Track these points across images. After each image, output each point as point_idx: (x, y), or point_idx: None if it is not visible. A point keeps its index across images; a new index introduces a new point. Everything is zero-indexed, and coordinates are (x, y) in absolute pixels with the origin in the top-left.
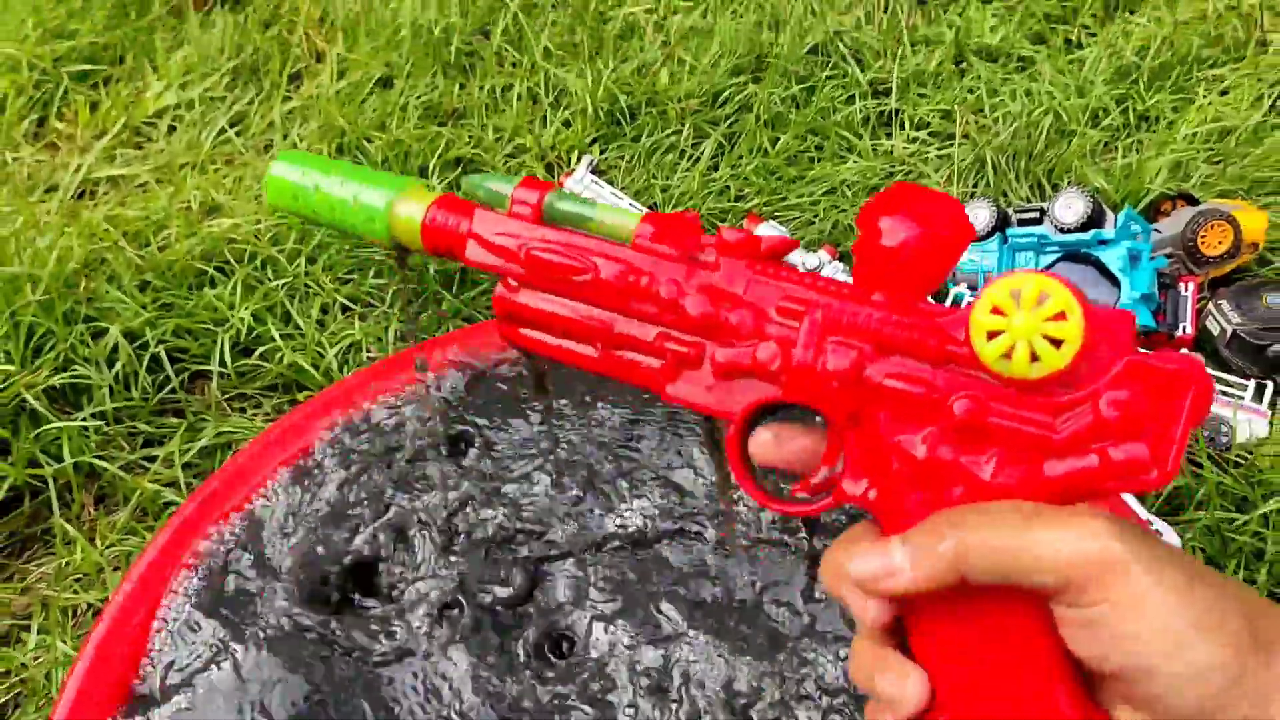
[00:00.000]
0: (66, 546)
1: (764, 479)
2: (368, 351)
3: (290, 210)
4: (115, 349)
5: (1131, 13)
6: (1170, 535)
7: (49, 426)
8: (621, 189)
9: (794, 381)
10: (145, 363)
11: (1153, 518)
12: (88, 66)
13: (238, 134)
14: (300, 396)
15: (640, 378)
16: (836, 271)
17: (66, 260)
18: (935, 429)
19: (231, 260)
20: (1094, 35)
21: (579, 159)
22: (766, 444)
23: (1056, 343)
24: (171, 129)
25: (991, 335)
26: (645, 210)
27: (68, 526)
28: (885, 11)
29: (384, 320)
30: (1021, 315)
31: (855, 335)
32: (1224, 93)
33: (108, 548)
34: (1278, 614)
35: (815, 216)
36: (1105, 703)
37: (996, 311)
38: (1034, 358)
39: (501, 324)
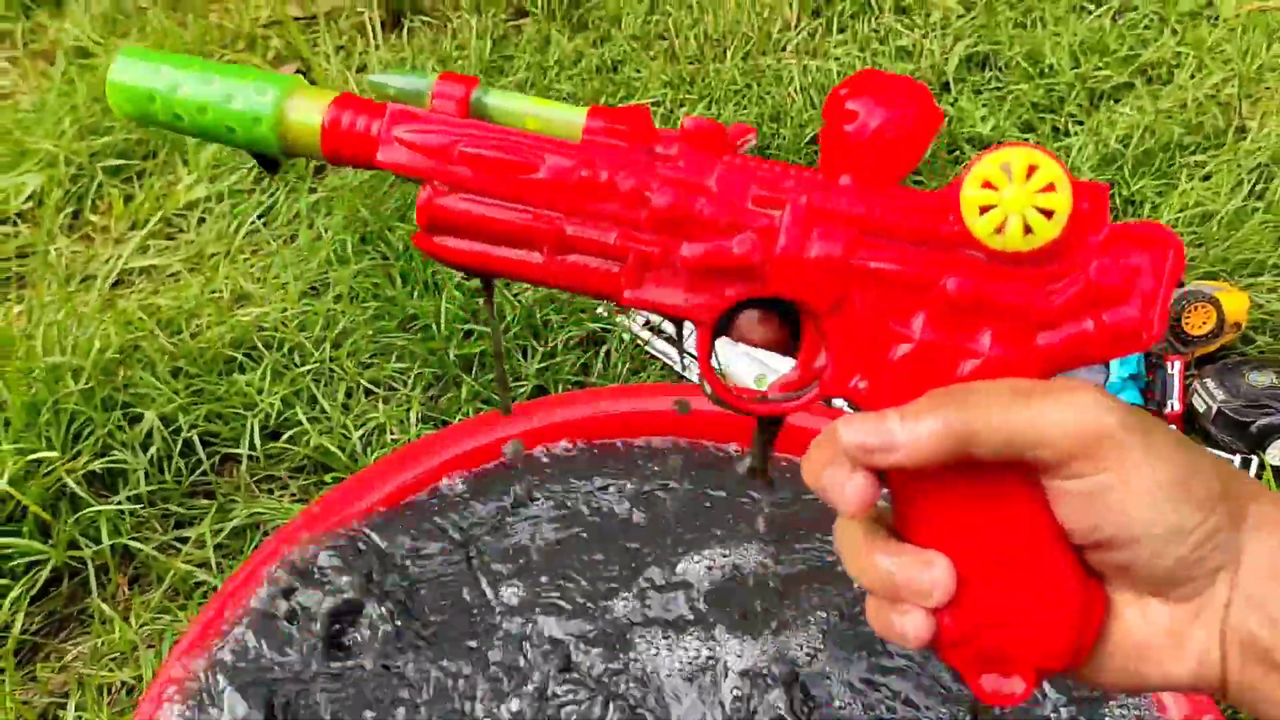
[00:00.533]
0: (103, 626)
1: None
2: (391, 434)
3: (143, 117)
4: (150, 434)
5: (1116, 102)
6: None
7: (88, 510)
8: None
9: (777, 273)
10: (178, 446)
11: None
12: (121, 161)
13: (265, 224)
14: (328, 478)
15: (596, 283)
16: None
17: (104, 349)
18: (927, 310)
19: (260, 347)
20: (1080, 123)
21: None
22: (750, 323)
23: (1048, 214)
24: (201, 220)
25: (984, 210)
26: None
27: (104, 606)
28: None
29: (406, 403)
30: (1013, 188)
31: (840, 220)
32: (1205, 178)
33: (141, 626)
34: (1244, 477)
35: None
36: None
37: (987, 185)
38: (1027, 230)
39: (425, 237)
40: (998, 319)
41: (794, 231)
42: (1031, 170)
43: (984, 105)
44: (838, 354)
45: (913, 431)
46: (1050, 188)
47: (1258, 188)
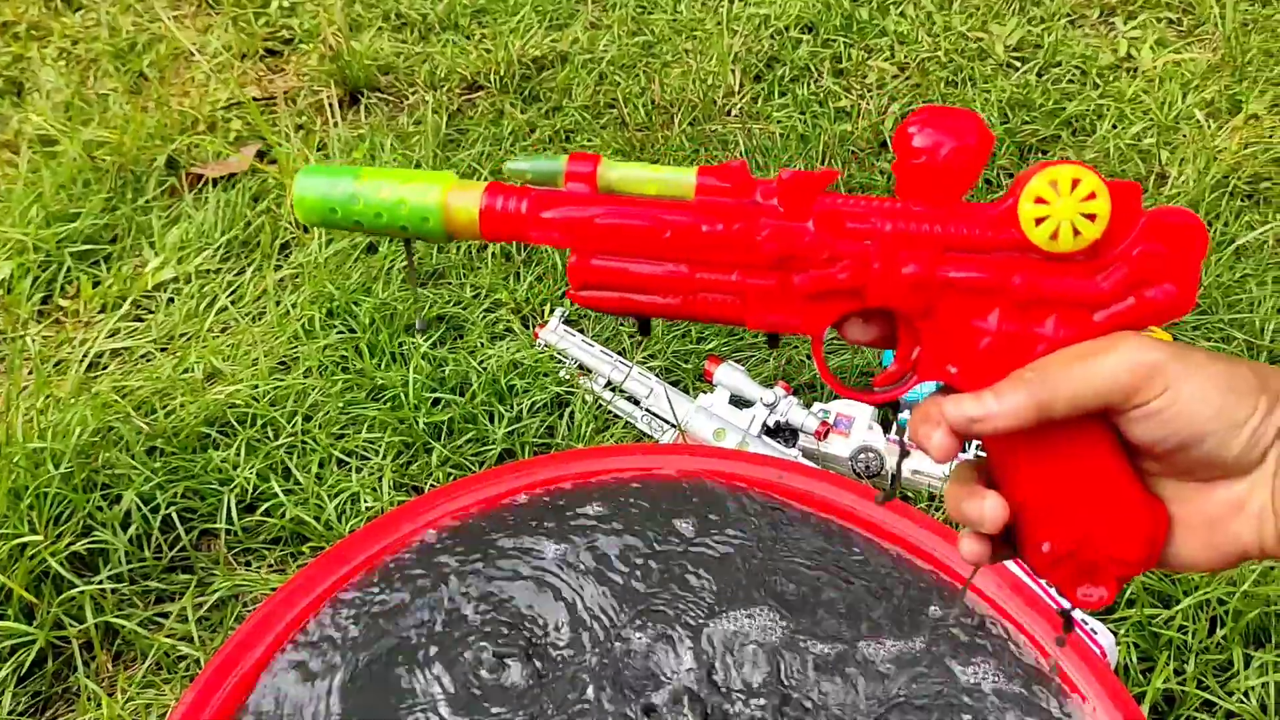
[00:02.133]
0: (90, 703)
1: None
2: (365, 502)
3: (326, 224)
4: (129, 513)
5: (1044, 154)
6: (1105, 635)
7: (71, 591)
8: (593, 337)
9: (875, 291)
10: (157, 524)
11: (1088, 618)
12: (89, 246)
13: (233, 303)
14: (305, 549)
15: (725, 315)
16: (791, 405)
17: (82, 432)
18: (1000, 306)
19: (234, 423)
20: (1011, 176)
21: (552, 311)
22: (857, 330)
23: (1091, 217)
24: (170, 301)
25: (1040, 220)
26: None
27: (90, 683)
28: (823, 164)
29: (378, 471)
30: (1061, 200)
31: (921, 242)
32: None
33: (127, 702)
34: (1273, 368)
35: (769, 354)
36: (1158, 487)
37: (1040, 201)
38: (1076, 233)
39: (578, 293)
40: (1058, 306)
41: (884, 256)
42: (1075, 183)
43: None
44: (930, 348)
45: (1004, 404)
46: (1091, 196)
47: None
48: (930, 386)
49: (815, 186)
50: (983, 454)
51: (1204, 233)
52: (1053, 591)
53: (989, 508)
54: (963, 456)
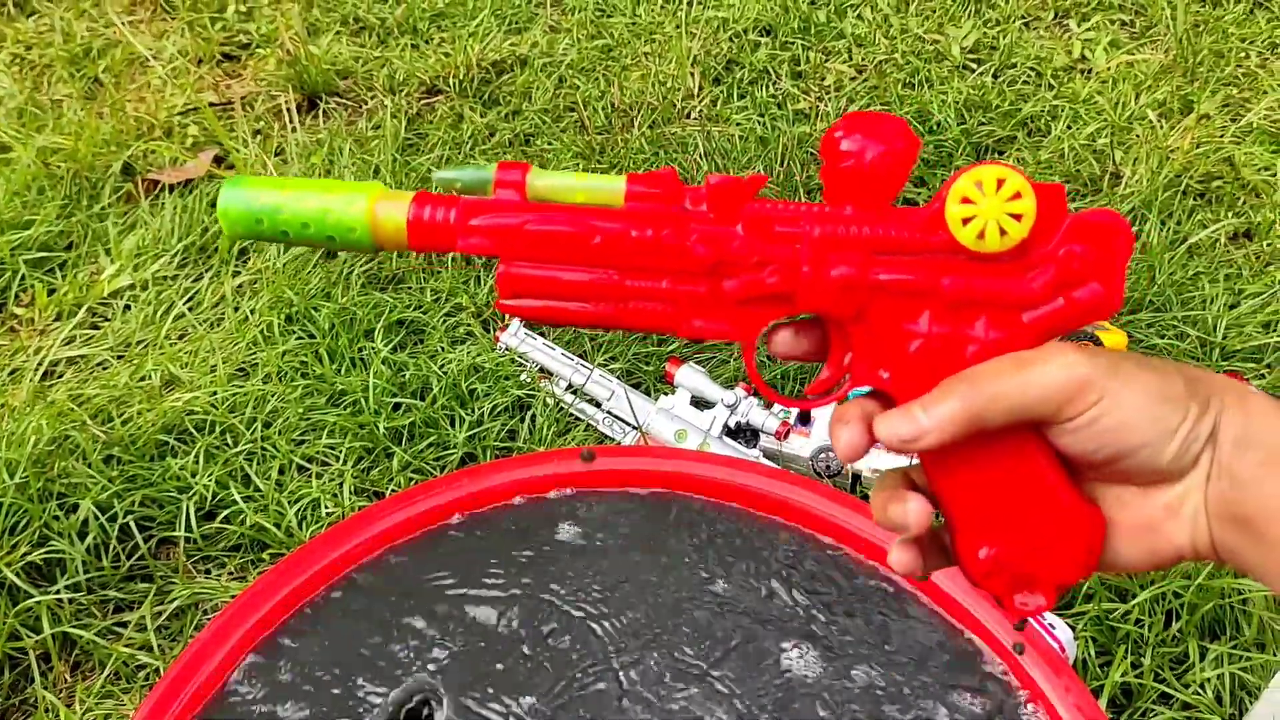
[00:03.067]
0: (47, 714)
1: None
2: (326, 508)
3: (254, 236)
4: (86, 522)
5: (1000, 154)
6: (1063, 629)
7: (27, 601)
8: (554, 339)
9: (805, 295)
10: (115, 533)
11: (1047, 612)
12: (44, 254)
13: (191, 310)
14: (265, 555)
15: (656, 323)
16: (752, 406)
17: (37, 441)
18: (931, 309)
19: (192, 430)
20: None
21: (512, 315)
22: (786, 342)
23: (1017, 217)
24: (127, 308)
25: (966, 220)
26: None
27: (47, 694)
28: (782, 165)
29: (339, 477)
30: (987, 200)
31: (850, 245)
32: None
33: (85, 713)
34: (1202, 371)
35: (730, 356)
36: (1094, 491)
37: (966, 201)
38: (1002, 232)
39: (507, 303)
40: (988, 308)
41: (814, 260)
42: (1000, 183)
43: None
44: (862, 352)
45: (935, 417)
46: (1017, 195)
47: (1132, 230)
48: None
49: (744, 192)
50: (916, 460)
51: (1128, 232)
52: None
53: (912, 510)
54: (901, 463)
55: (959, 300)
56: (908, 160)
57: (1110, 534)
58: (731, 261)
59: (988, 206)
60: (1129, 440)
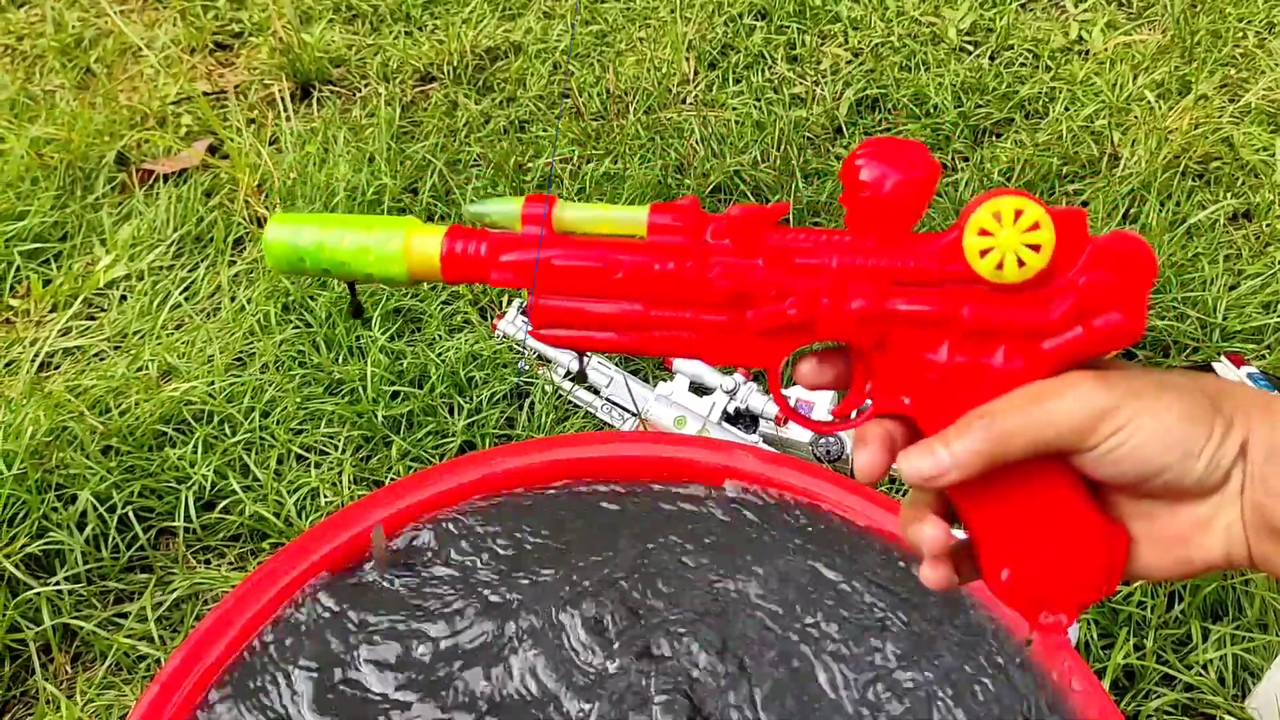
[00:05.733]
0: (48, 706)
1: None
2: (325, 497)
3: (296, 271)
4: (85, 513)
5: (997, 137)
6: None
7: (27, 593)
8: None
9: (825, 325)
10: (114, 523)
11: None
12: (38, 245)
13: (187, 300)
14: (265, 545)
15: (680, 350)
16: (751, 392)
17: (34, 432)
18: (950, 338)
19: (190, 420)
20: (966, 159)
21: (509, 302)
22: (810, 372)
23: (1035, 248)
24: (123, 299)
25: (984, 252)
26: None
27: (48, 686)
28: (778, 150)
29: (338, 466)
30: (1005, 231)
31: (869, 276)
32: (1084, 205)
33: (87, 704)
34: (1223, 383)
35: None
36: (1126, 510)
37: (983, 233)
38: (1020, 263)
39: (539, 332)
40: (1008, 337)
41: (832, 291)
42: (1018, 214)
43: None
44: (883, 380)
45: (955, 454)
46: (1035, 226)
47: (1131, 211)
48: None
49: (765, 222)
50: None
51: (1152, 259)
52: None
53: (927, 533)
54: None
55: (978, 330)
56: (927, 188)
57: (1140, 546)
58: (752, 294)
59: (1005, 238)
60: (1152, 464)
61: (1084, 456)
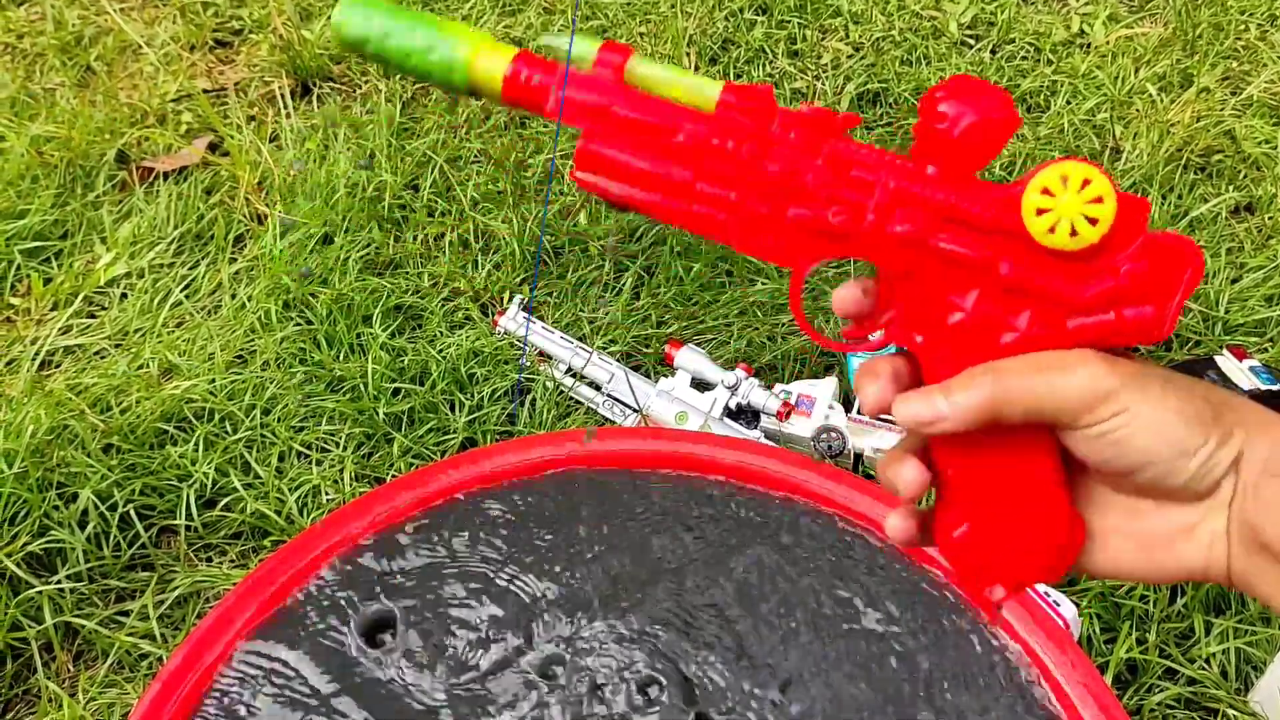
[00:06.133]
0: (50, 704)
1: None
2: (326, 494)
3: (358, 53)
4: (86, 511)
5: None
6: (1068, 606)
7: (29, 592)
8: (552, 323)
9: (862, 241)
10: (115, 522)
11: (1051, 590)
12: (39, 243)
13: (188, 297)
14: (266, 543)
15: (715, 230)
16: (753, 387)
17: (35, 431)
18: (981, 288)
19: (191, 418)
20: None
21: (511, 298)
22: (849, 296)
23: (1093, 220)
24: (124, 296)
25: (1041, 212)
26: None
27: (50, 684)
28: None
29: (339, 463)
30: (1067, 196)
31: (919, 203)
32: None
33: (89, 702)
34: (1227, 394)
35: (730, 337)
36: (1097, 501)
37: (1046, 192)
38: (1073, 233)
39: (581, 175)
40: (1037, 302)
41: (881, 209)
42: (1085, 183)
43: (877, 141)
44: (902, 312)
45: (954, 405)
46: (1099, 200)
47: (1204, 261)
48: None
49: (834, 127)
50: None
51: (1200, 266)
52: None
53: (906, 473)
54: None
55: (1011, 287)
56: (1003, 134)
57: (1118, 542)
58: (802, 191)
59: (1067, 203)
60: (1143, 456)
61: (1077, 434)
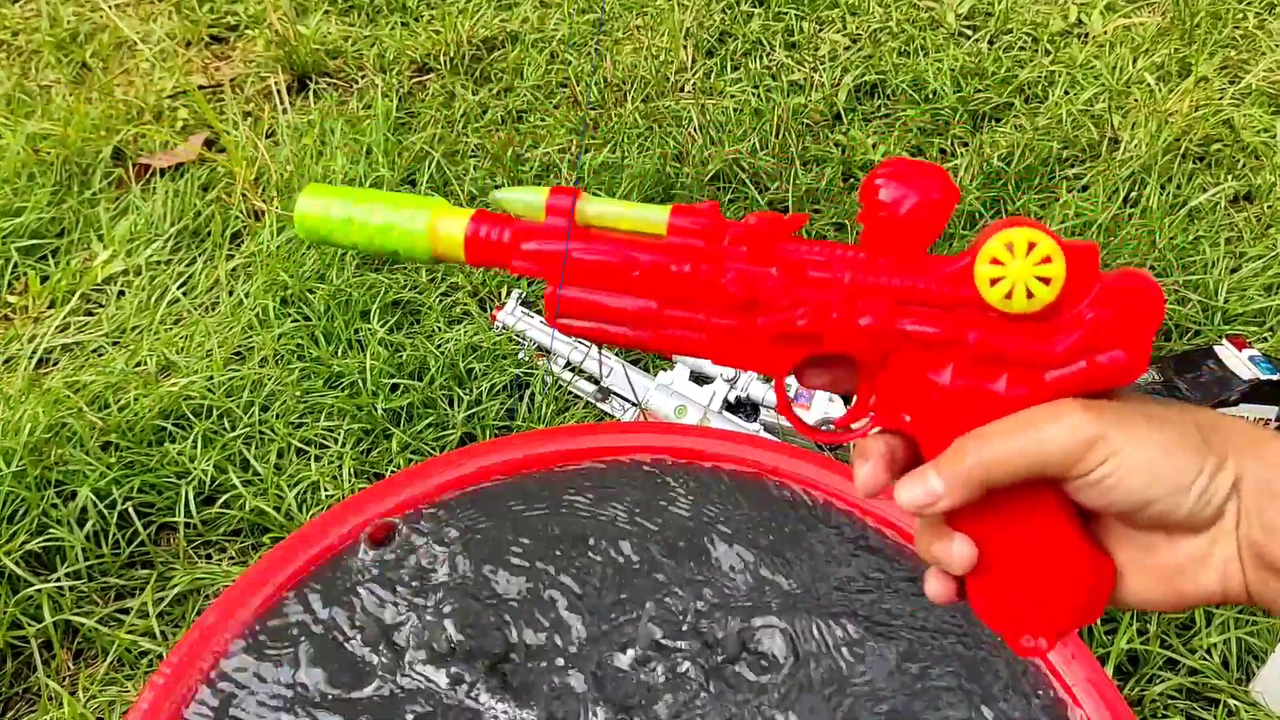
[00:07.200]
0: (50, 702)
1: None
2: (325, 490)
3: (325, 243)
4: (85, 509)
5: (997, 122)
6: None
7: (28, 590)
8: None
9: (833, 338)
10: (114, 519)
11: None
12: (35, 241)
13: (185, 294)
14: (265, 539)
15: (690, 349)
16: (751, 380)
17: (33, 429)
18: (955, 362)
19: (189, 415)
20: (965, 144)
21: (509, 294)
22: (816, 374)
23: (1045, 280)
24: (121, 294)
25: (994, 281)
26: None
27: (50, 682)
28: (777, 137)
29: (338, 459)
30: (1016, 262)
31: (879, 294)
32: (1084, 189)
33: (90, 700)
34: (1215, 416)
35: None
36: (1114, 538)
37: (995, 262)
38: (1029, 295)
39: (553, 319)
40: (1011, 365)
41: (843, 306)
42: (1031, 246)
43: (875, 133)
44: (886, 396)
45: (947, 482)
46: (1047, 260)
47: (1132, 194)
48: None
49: (782, 232)
50: None
51: (1159, 301)
52: None
53: (958, 551)
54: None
55: (983, 355)
56: (944, 211)
57: (1136, 576)
58: (764, 301)
59: (1017, 269)
60: (1140, 496)
61: (1075, 484)
